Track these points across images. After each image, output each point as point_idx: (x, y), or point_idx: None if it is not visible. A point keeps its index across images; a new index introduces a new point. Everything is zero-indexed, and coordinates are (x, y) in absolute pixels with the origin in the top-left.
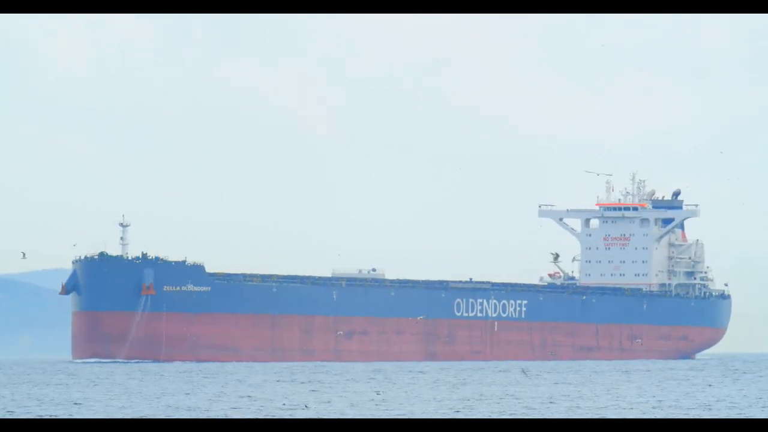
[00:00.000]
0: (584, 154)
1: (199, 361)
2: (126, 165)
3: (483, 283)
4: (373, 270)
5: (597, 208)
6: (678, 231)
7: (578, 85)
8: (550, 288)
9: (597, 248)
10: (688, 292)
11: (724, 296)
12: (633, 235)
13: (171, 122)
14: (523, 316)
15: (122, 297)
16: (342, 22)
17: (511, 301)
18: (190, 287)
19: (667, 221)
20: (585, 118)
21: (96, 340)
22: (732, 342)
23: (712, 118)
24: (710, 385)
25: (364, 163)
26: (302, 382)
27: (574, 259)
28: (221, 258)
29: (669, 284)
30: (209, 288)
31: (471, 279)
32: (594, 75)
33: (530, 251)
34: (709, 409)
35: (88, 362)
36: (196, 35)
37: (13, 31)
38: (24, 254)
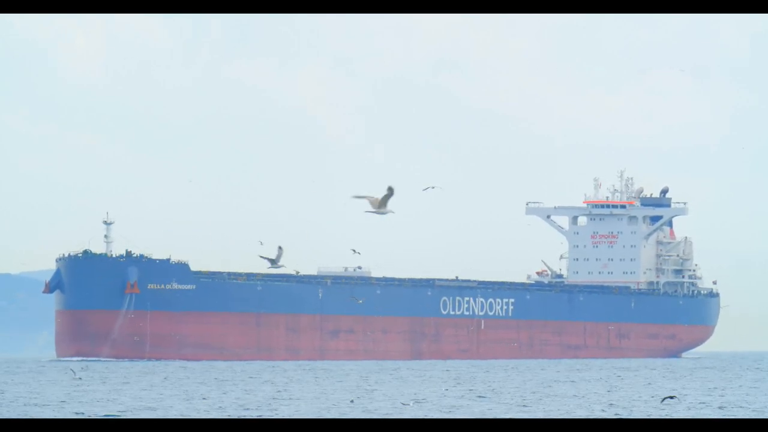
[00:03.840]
0: (575, 152)
1: (184, 359)
2: (113, 162)
3: (469, 281)
4: (359, 268)
5: (585, 205)
6: (666, 228)
7: (573, 84)
8: (538, 286)
9: (585, 246)
10: (676, 291)
11: (712, 294)
12: (621, 232)
13: (160, 121)
14: (510, 314)
15: (106, 295)
16: (344, 22)
17: (498, 300)
18: (175, 285)
19: (655, 219)
20: (578, 117)
21: (80, 338)
22: (720, 341)
23: (706, 117)
24: None
25: (351, 161)
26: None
27: (561, 257)
28: (206, 256)
29: (657, 282)
30: (194, 286)
31: (457, 277)
32: (592, 75)
33: (517, 249)
34: None
35: (72, 360)
36: (187, 35)
37: (21, 31)
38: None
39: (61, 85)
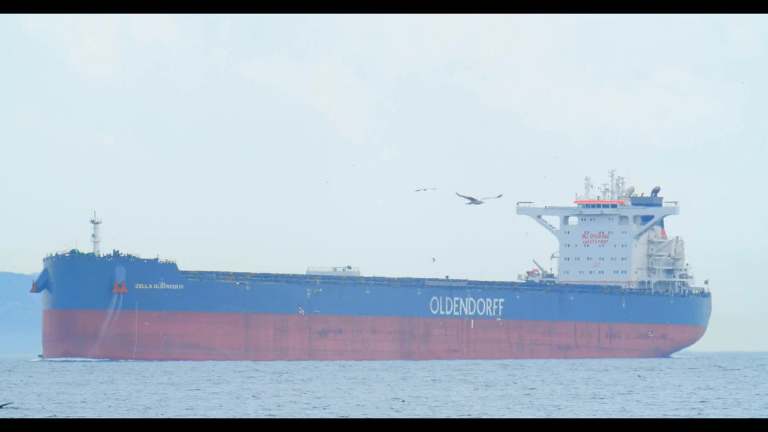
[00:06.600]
0: (566, 150)
1: (172, 360)
2: (108, 162)
3: (459, 281)
4: (348, 268)
5: (575, 205)
6: (657, 228)
7: (572, 84)
8: (528, 286)
9: (576, 245)
10: (667, 290)
11: (704, 294)
12: (612, 232)
13: (159, 120)
14: (500, 314)
15: (94, 295)
16: (356, 22)
17: (488, 300)
18: (163, 285)
19: (646, 218)
20: (576, 117)
21: (67, 338)
22: (712, 340)
23: (705, 116)
24: None
25: (342, 161)
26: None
27: (552, 257)
28: (194, 255)
29: (648, 282)
30: (182, 286)
31: (447, 277)
32: (593, 75)
33: (508, 249)
34: None
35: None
36: (178, 34)
37: (31, 31)
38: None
39: (69, 84)
